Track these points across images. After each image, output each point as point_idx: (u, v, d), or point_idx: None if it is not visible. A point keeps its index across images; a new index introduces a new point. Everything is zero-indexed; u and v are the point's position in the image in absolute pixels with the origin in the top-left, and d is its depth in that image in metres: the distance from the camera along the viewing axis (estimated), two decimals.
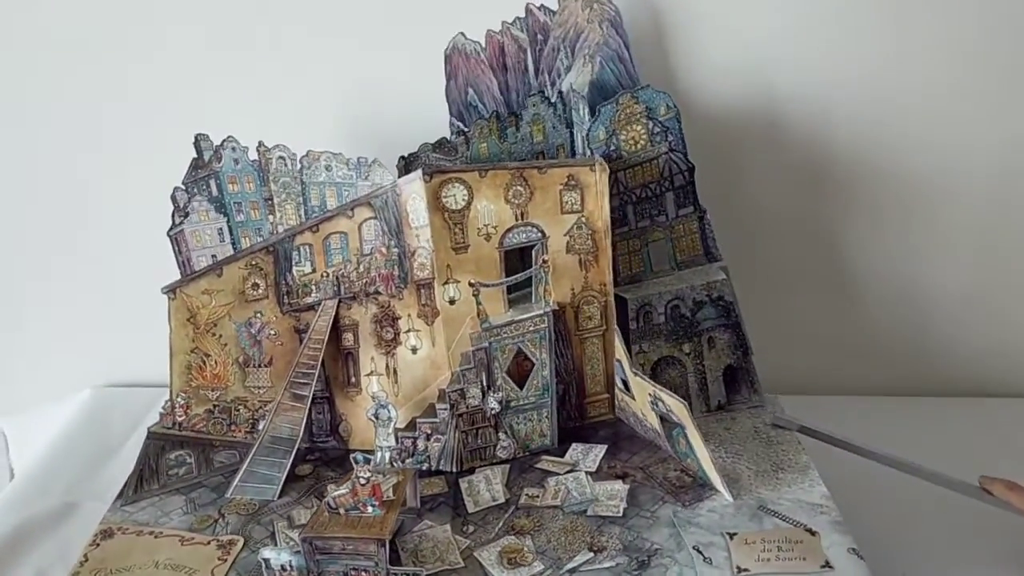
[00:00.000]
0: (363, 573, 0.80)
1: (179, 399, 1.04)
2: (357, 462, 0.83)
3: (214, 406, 1.04)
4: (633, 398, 0.96)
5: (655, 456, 0.94)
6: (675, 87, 1.03)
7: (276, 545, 0.86)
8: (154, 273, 1.16)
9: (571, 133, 1.01)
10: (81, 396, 1.25)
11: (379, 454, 1.00)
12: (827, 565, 0.75)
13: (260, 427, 1.03)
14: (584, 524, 0.86)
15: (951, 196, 1.09)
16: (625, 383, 0.97)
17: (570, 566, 0.80)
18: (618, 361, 0.96)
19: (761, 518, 0.81)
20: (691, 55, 1.05)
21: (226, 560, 0.87)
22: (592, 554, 0.81)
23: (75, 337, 1.29)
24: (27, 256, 1.26)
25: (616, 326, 0.96)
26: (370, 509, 0.83)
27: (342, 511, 0.84)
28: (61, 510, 0.99)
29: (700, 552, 0.78)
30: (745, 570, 0.75)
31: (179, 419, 1.04)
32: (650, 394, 0.89)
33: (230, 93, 1.11)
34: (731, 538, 0.79)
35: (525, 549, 0.84)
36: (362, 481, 0.83)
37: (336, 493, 0.84)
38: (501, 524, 0.88)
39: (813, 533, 0.78)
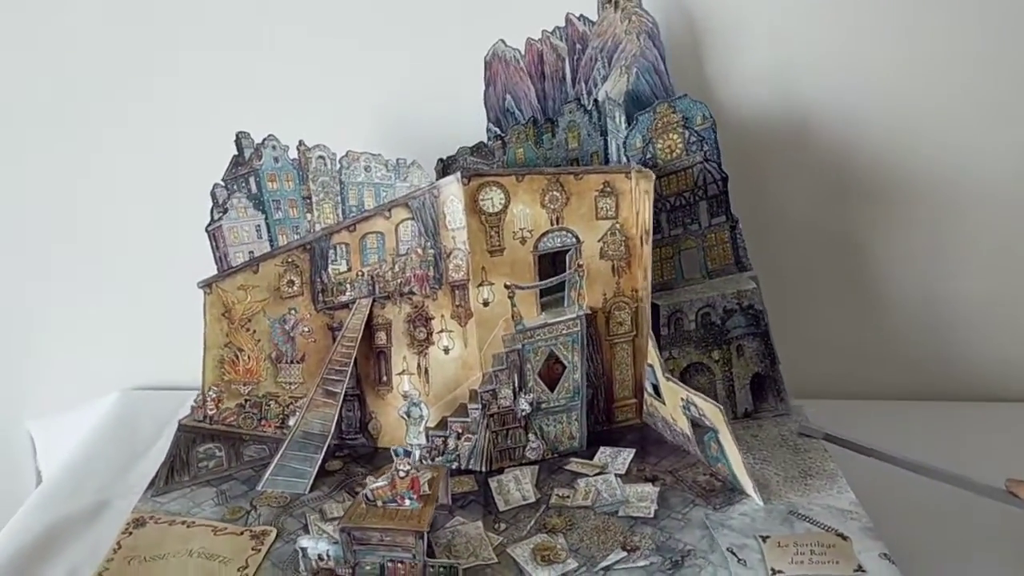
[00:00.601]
0: (400, 565, 0.81)
1: (211, 393, 1.05)
2: (397, 455, 0.85)
3: (245, 400, 1.05)
4: (663, 403, 0.97)
5: (683, 461, 0.96)
6: (710, 97, 1.05)
7: (315, 535, 0.87)
8: (182, 276, 1.17)
9: (605, 141, 1.03)
10: (108, 399, 1.25)
11: (414, 451, 1.01)
12: (860, 569, 0.76)
13: (290, 423, 1.05)
14: (616, 524, 0.87)
15: (977, 200, 1.12)
16: (655, 388, 0.98)
17: (604, 564, 0.82)
18: (650, 366, 0.98)
19: (792, 522, 0.83)
20: (726, 65, 1.08)
21: (260, 550, 0.88)
22: (625, 553, 0.83)
23: (102, 340, 1.29)
24: (53, 259, 1.26)
25: (652, 332, 0.97)
26: (407, 502, 0.85)
27: (379, 503, 0.85)
28: (92, 509, 0.99)
29: (734, 554, 0.79)
30: (779, 572, 0.77)
31: (210, 412, 1.05)
32: (682, 398, 0.91)
33: (272, 92, 1.13)
34: (764, 541, 0.80)
35: (558, 547, 0.85)
36: (401, 474, 0.84)
37: (374, 485, 0.85)
38: (533, 522, 0.89)
39: (845, 538, 0.80)
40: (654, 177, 0.93)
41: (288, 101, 1.12)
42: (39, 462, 1.28)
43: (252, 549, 0.88)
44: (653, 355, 0.95)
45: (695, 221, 1.00)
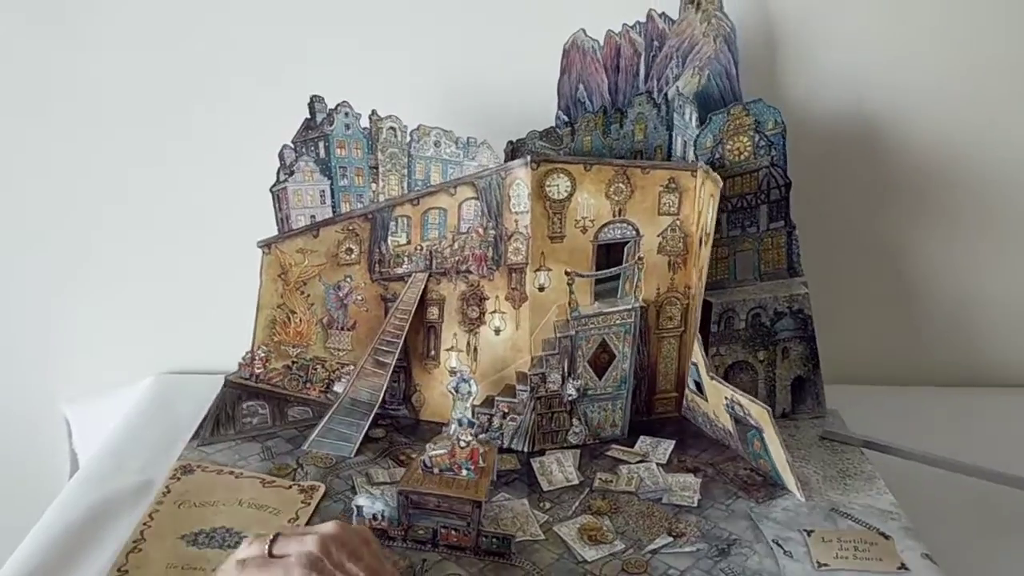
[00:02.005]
0: (453, 532, 0.83)
1: (260, 351, 1.06)
2: (462, 424, 0.86)
3: (293, 362, 1.07)
4: (705, 399, 1.00)
5: (724, 455, 0.98)
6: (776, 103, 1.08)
7: (371, 495, 0.88)
8: (220, 260, 1.21)
9: (670, 136, 1.05)
10: (144, 383, 1.24)
11: (453, 426, 1.02)
12: (903, 567, 0.79)
13: (336, 388, 1.06)
14: (661, 511, 0.89)
15: None
16: (698, 384, 1.01)
17: (651, 547, 0.84)
18: (694, 364, 1.00)
19: (835, 519, 0.86)
20: (794, 73, 1.11)
21: (309, 504, 0.89)
22: (672, 538, 0.85)
23: (137, 324, 1.27)
24: (89, 240, 1.24)
25: (698, 334, 1.00)
26: (464, 472, 0.86)
27: (436, 470, 0.87)
28: (136, 488, 0.96)
29: (780, 545, 0.82)
30: (825, 565, 0.79)
31: (257, 371, 1.06)
32: (727, 397, 0.93)
33: (348, 60, 1.13)
34: (808, 535, 0.83)
35: (604, 528, 0.87)
36: (462, 444, 0.86)
37: (433, 452, 0.87)
38: (578, 503, 0.91)
39: (887, 537, 0.82)
40: (722, 183, 0.96)
41: (364, 72, 1.12)
42: (75, 446, 1.26)
43: (302, 503, 0.89)
44: (698, 354, 0.97)
45: (754, 224, 1.03)
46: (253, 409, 1.05)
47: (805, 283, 1.03)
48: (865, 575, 0.78)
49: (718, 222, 1.03)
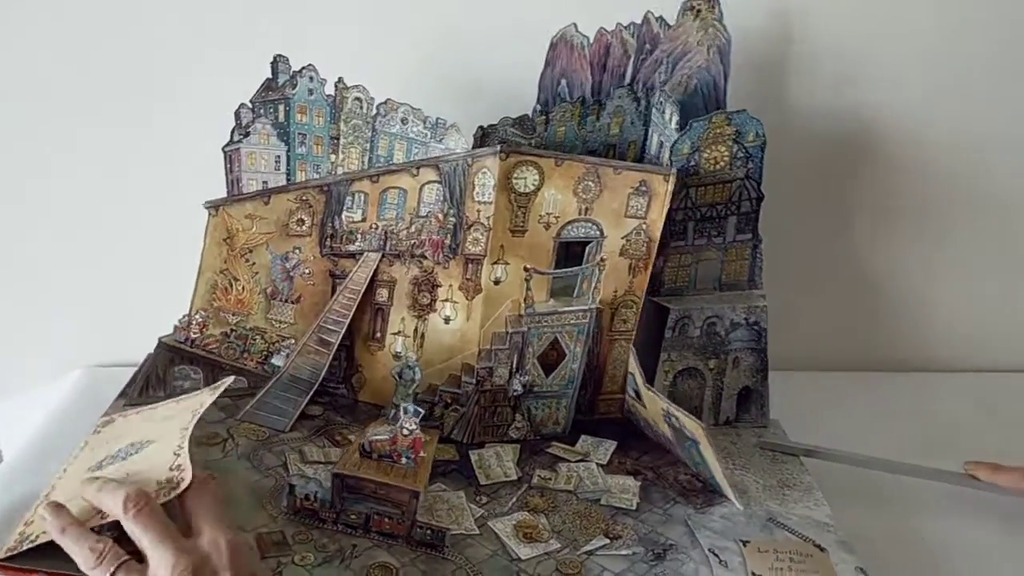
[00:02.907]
0: (387, 519, 0.80)
1: (197, 316, 1.01)
2: (407, 412, 0.84)
3: (231, 330, 1.02)
4: (644, 407, 0.99)
5: (665, 458, 0.97)
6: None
7: (297, 474, 0.85)
8: (148, 248, 1.16)
9: (646, 132, 1.04)
10: (71, 376, 1.18)
11: (392, 412, 1.00)
12: None
13: (274, 360, 1.03)
14: (598, 512, 0.88)
15: None
16: (637, 393, 1.00)
17: (587, 548, 0.82)
18: (631, 374, 0.99)
19: (771, 529, 0.86)
20: (780, 90, 1.12)
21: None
22: (608, 540, 0.84)
23: (63, 316, 1.21)
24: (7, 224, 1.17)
25: (633, 347, 0.99)
26: (404, 460, 0.84)
27: (375, 456, 0.84)
28: None
29: (716, 555, 0.81)
30: None
31: (193, 336, 1.02)
32: (663, 409, 0.93)
33: (317, 22, 1.09)
34: (744, 545, 0.83)
35: (540, 526, 0.85)
36: (405, 432, 0.83)
37: (374, 437, 0.84)
38: (515, 499, 0.89)
39: (822, 549, 0.83)
40: (674, 180, 0.96)
41: (337, 38, 1.07)
42: None
43: None
44: (634, 365, 0.96)
45: (721, 234, 1.02)
46: (185, 373, 1.01)
47: (763, 296, 1.03)
48: None
49: (685, 228, 1.03)
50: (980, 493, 0.91)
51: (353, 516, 0.81)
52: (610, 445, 1.00)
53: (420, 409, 0.84)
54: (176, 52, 1.08)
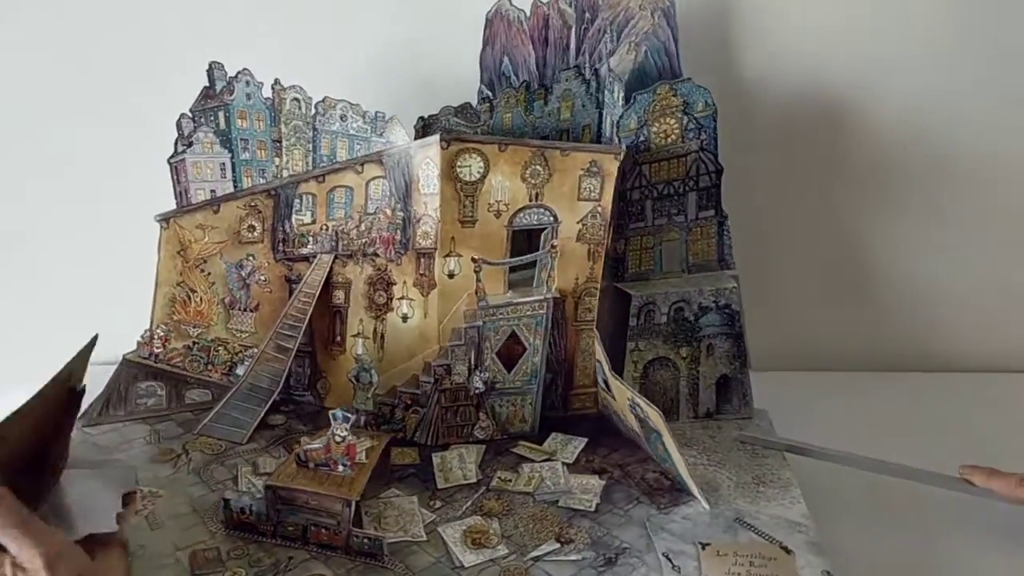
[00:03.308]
0: (323, 530, 0.78)
1: (159, 330, 1.01)
2: (336, 419, 0.81)
3: (193, 343, 1.02)
4: (614, 398, 0.93)
5: (635, 455, 0.92)
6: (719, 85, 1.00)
7: (238, 488, 0.83)
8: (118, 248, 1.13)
9: (600, 114, 0.98)
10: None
11: (354, 417, 0.97)
12: None
13: (239, 371, 1.01)
14: (554, 514, 0.83)
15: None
16: (607, 383, 0.94)
17: (535, 554, 0.78)
18: (599, 362, 0.94)
19: (736, 530, 0.79)
20: (739, 53, 1.04)
21: None
22: (559, 545, 0.79)
23: (34, 313, 1.23)
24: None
25: (597, 330, 0.93)
26: (341, 468, 0.81)
27: (311, 465, 0.81)
28: None
29: (669, 559, 0.76)
30: None
31: (156, 350, 1.01)
32: (628, 398, 0.87)
33: (253, 25, 1.07)
34: (703, 548, 0.77)
35: (491, 531, 0.81)
36: (338, 439, 0.80)
37: (309, 446, 0.81)
38: (470, 503, 0.86)
39: (788, 551, 0.76)
40: (622, 156, 0.89)
41: (269, 37, 1.06)
42: None
43: None
44: (599, 352, 0.91)
45: (682, 212, 0.96)
46: (152, 390, 1.01)
47: (735, 277, 0.96)
48: None
49: (643, 209, 0.97)
50: (974, 499, 0.82)
51: (291, 528, 0.79)
52: (579, 443, 0.95)
53: (349, 415, 0.81)
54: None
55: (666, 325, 0.95)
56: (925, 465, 0.85)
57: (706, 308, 0.95)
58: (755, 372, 0.99)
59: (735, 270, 0.96)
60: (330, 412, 0.81)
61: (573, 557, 0.77)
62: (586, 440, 0.95)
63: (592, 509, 0.84)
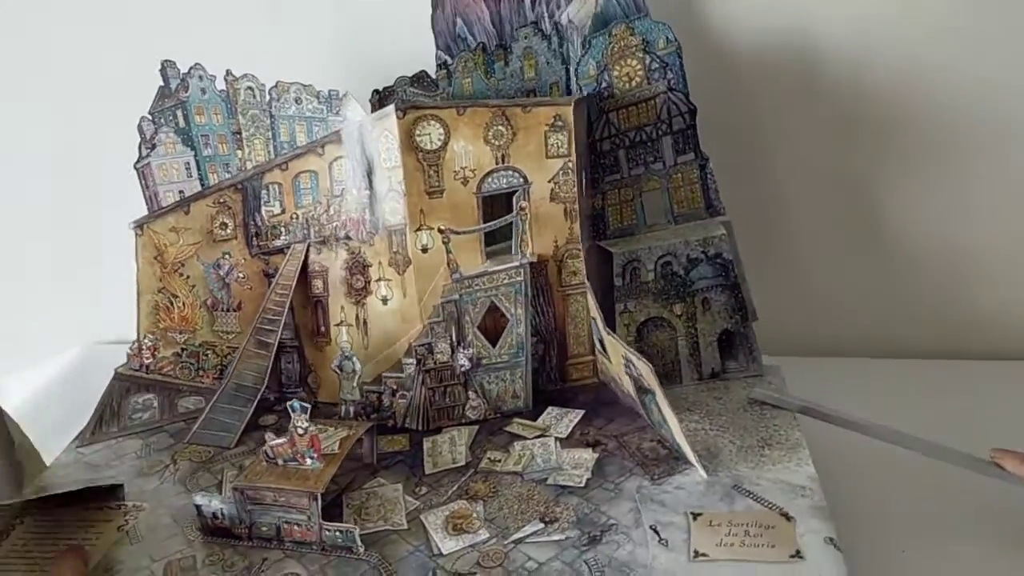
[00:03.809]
0: (296, 527, 0.75)
1: (146, 340, 1.00)
2: (294, 410, 0.77)
3: (182, 350, 1.00)
4: (610, 361, 0.87)
5: (633, 425, 0.85)
6: (696, 19, 0.92)
7: (209, 492, 0.81)
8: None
9: (567, 70, 0.92)
10: (69, 354, 1.21)
11: (343, 407, 0.94)
12: (797, 555, 0.65)
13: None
14: (542, 493, 0.78)
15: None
16: (602, 343, 0.88)
17: (517, 536, 0.73)
18: (593, 319, 0.88)
19: (733, 498, 0.72)
20: None
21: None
22: (543, 525, 0.74)
23: (65, 292, 1.25)
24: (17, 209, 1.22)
25: (588, 282, 0.87)
26: (308, 461, 0.78)
27: (280, 461, 0.78)
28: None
29: (656, 532, 0.69)
30: (703, 555, 0.66)
31: (146, 361, 1.00)
32: (623, 356, 0.81)
33: (198, 15, 1.05)
34: (695, 519, 0.70)
35: (474, 515, 0.76)
36: (300, 431, 0.77)
37: (274, 442, 0.78)
38: (456, 488, 0.81)
39: (789, 518, 0.68)
40: (573, 103, 0.83)
41: (216, 23, 1.03)
42: None
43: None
44: (594, 308, 0.84)
45: (659, 159, 0.89)
46: (148, 403, 0.99)
47: (727, 223, 0.88)
48: (745, 565, 0.65)
49: (616, 159, 0.90)
50: (1003, 485, 0.72)
51: (264, 528, 0.76)
52: (575, 415, 0.89)
53: (306, 404, 0.77)
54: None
55: (654, 282, 0.88)
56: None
57: (695, 260, 0.87)
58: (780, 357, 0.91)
59: (725, 216, 0.88)
60: (287, 404, 0.78)
61: (556, 537, 0.72)
62: (582, 412, 0.89)
63: (582, 485, 0.78)
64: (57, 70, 1.13)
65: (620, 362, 0.82)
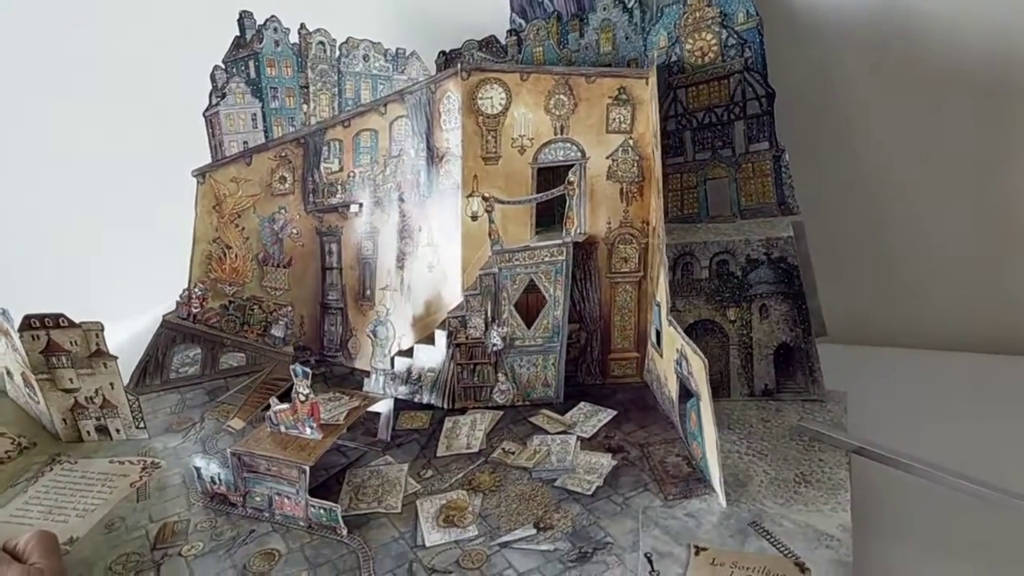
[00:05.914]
0: (286, 500, 0.72)
1: (196, 289, 1.00)
2: (296, 375, 0.74)
3: (229, 302, 1.00)
4: (661, 355, 0.79)
5: (663, 435, 0.77)
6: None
7: (209, 456, 0.79)
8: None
9: (647, 46, 0.84)
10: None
11: (373, 376, 0.91)
12: None
13: (273, 331, 0.98)
14: (545, 495, 0.72)
15: None
16: (659, 334, 0.79)
17: (505, 539, 0.67)
18: (657, 305, 0.79)
19: (747, 536, 0.63)
20: None
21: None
22: (535, 531, 0.67)
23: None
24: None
25: (663, 263, 0.78)
26: (308, 431, 0.75)
27: (282, 428, 0.76)
28: None
29: (650, 562, 0.61)
30: None
31: (195, 310, 1.00)
32: (677, 349, 0.72)
33: None
34: (697, 553, 0.61)
35: (468, 509, 0.71)
36: (301, 397, 0.74)
37: (278, 408, 0.76)
38: (461, 475, 0.76)
39: (804, 570, 0.59)
40: (654, 74, 0.74)
41: None
42: None
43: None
44: (664, 290, 0.75)
45: (728, 145, 0.79)
46: (195, 357, 0.98)
47: (799, 224, 0.77)
48: None
49: (681, 141, 0.81)
50: None
51: (258, 499, 0.73)
52: (605, 416, 0.81)
53: (308, 369, 0.74)
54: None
55: (708, 281, 0.79)
56: None
57: (756, 261, 0.77)
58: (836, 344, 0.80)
59: (798, 215, 0.77)
60: (291, 368, 0.75)
61: (544, 547, 0.66)
62: (614, 413, 0.82)
63: (589, 493, 0.71)
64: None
65: (672, 357, 0.73)
